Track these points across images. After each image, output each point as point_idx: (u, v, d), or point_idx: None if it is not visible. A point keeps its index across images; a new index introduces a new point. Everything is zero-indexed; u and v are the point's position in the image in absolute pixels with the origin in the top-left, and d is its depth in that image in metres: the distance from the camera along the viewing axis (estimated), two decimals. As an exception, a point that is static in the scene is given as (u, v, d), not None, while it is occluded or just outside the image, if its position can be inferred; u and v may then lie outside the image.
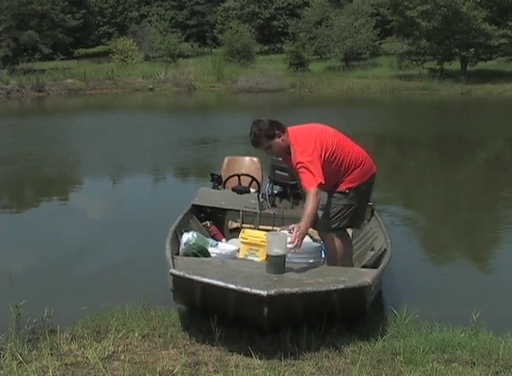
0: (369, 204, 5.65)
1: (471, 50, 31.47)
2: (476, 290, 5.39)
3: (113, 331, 3.85)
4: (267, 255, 3.98)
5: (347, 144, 4.36)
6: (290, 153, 4.20)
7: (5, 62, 39.12)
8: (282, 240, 3.93)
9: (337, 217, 4.37)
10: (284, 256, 3.93)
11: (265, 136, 4.17)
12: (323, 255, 4.84)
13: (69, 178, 10.81)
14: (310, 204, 3.99)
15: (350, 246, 4.70)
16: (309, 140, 4.15)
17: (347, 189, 4.31)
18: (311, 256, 4.69)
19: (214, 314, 3.78)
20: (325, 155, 4.15)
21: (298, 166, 4.08)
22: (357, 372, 3.32)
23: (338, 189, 4.34)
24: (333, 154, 4.21)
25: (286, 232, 4.03)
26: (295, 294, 3.47)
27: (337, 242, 4.42)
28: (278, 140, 4.18)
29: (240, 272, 3.96)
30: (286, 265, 4.00)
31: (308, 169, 4.03)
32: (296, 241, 3.91)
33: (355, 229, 5.52)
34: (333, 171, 4.25)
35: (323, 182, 4.05)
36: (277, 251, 3.89)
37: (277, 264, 3.91)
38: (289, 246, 3.91)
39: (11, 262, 5.78)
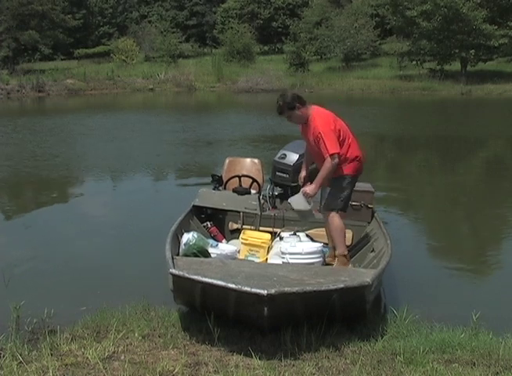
0: (370, 206, 5.68)
1: (471, 52, 31.44)
2: (476, 290, 5.40)
3: (113, 331, 3.86)
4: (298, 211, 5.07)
5: (352, 137, 4.99)
6: (307, 124, 4.90)
7: (5, 62, 39.05)
8: (301, 199, 4.94)
9: (342, 198, 4.94)
10: (309, 209, 5.01)
11: (287, 107, 4.87)
12: (323, 256, 4.86)
13: (68, 179, 10.81)
14: (325, 169, 4.75)
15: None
16: (329, 117, 4.89)
17: (347, 174, 4.91)
18: (311, 256, 4.71)
19: (213, 314, 3.78)
20: (337, 135, 4.80)
21: (320, 134, 4.74)
22: (357, 372, 3.32)
23: (341, 173, 4.91)
24: (342, 139, 4.84)
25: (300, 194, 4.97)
26: (295, 293, 3.47)
27: (338, 220, 4.90)
28: (297, 112, 4.88)
29: (240, 273, 3.97)
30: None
31: (328, 137, 4.72)
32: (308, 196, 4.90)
33: (355, 231, 5.58)
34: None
35: (339, 152, 4.74)
36: (303, 206, 4.95)
37: (307, 214, 5.09)
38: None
39: (11, 262, 5.78)
